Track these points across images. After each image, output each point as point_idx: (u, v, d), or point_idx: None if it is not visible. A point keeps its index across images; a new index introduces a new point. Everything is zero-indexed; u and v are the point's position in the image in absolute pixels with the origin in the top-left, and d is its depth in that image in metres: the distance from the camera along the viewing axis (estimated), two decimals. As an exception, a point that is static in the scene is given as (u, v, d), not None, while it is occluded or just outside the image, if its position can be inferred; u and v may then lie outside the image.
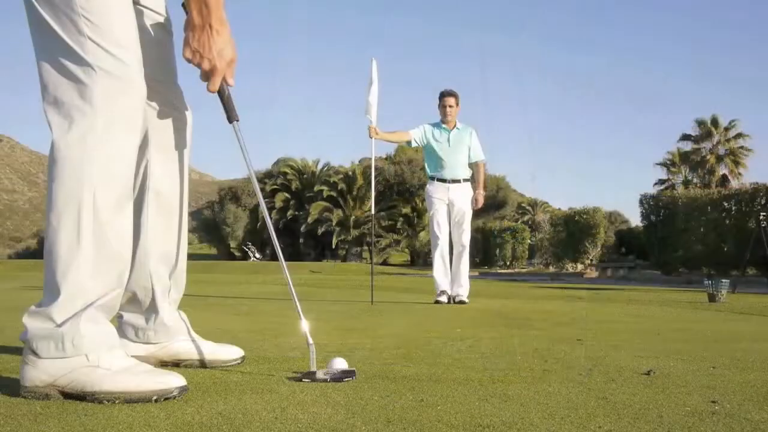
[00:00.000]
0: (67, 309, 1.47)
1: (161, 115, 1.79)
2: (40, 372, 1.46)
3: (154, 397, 1.45)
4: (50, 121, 1.51)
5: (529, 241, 32.66)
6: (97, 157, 1.50)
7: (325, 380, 1.72)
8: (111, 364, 1.48)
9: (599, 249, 25.64)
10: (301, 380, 1.73)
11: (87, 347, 1.47)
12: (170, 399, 1.46)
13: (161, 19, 1.78)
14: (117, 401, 1.43)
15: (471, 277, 6.11)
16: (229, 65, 1.64)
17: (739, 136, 40.48)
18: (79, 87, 1.50)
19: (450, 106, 5.88)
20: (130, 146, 1.58)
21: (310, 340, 1.82)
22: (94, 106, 1.50)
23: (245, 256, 41.18)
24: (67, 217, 1.48)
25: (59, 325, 1.46)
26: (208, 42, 1.58)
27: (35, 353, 1.47)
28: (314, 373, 1.74)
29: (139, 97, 1.58)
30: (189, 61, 1.61)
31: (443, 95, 5.92)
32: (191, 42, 1.58)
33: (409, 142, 5.95)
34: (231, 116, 1.75)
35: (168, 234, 1.84)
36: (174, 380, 1.49)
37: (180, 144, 1.84)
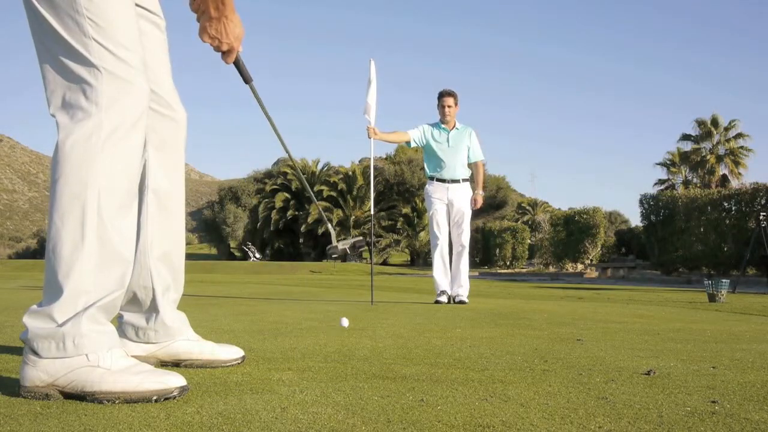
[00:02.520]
0: (68, 309, 1.47)
1: (159, 115, 1.80)
2: (40, 372, 1.46)
3: (154, 397, 1.45)
4: (57, 122, 1.52)
5: (529, 241, 32.67)
6: (102, 158, 1.50)
7: (345, 249, 2.29)
8: (111, 364, 1.48)
9: (599, 249, 25.64)
10: (327, 252, 2.31)
11: (88, 347, 1.47)
12: (170, 399, 1.46)
13: (157, 20, 1.81)
14: (117, 401, 1.43)
15: (471, 277, 6.11)
16: (239, 39, 1.78)
17: (739, 136, 40.45)
18: (85, 88, 1.51)
19: (449, 106, 5.88)
20: (135, 147, 1.58)
21: (329, 225, 2.30)
22: (100, 106, 1.51)
23: (245, 256, 41.19)
24: (71, 217, 1.48)
25: (60, 325, 1.46)
26: (224, 30, 1.72)
27: (36, 353, 1.47)
28: (335, 247, 2.31)
29: (142, 97, 1.58)
30: (208, 43, 1.75)
31: (442, 95, 5.92)
32: (209, 30, 1.72)
33: (408, 143, 5.96)
34: (246, 78, 1.95)
35: (167, 233, 1.85)
36: (174, 380, 1.49)
37: (177, 143, 1.86)
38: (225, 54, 1.78)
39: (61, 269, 1.47)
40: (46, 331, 1.46)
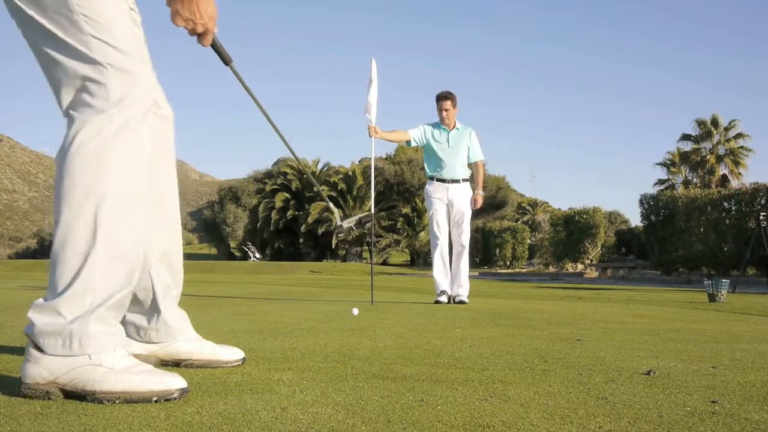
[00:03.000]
0: (75, 305, 1.46)
1: None
2: (41, 369, 1.46)
3: (155, 398, 1.45)
4: (69, 122, 1.51)
5: (529, 241, 32.65)
6: (114, 154, 1.49)
7: (351, 227, 2.35)
8: (113, 363, 1.48)
9: (599, 249, 25.63)
10: (334, 232, 2.51)
11: (93, 348, 1.46)
12: (170, 400, 1.46)
13: (136, 17, 1.77)
14: (117, 401, 1.43)
15: (471, 277, 6.11)
16: (213, 18, 1.71)
17: (739, 136, 40.43)
18: (92, 86, 1.50)
19: (446, 110, 5.84)
20: (145, 140, 1.57)
21: (331, 205, 2.30)
22: (110, 102, 1.50)
23: (245, 256, 41.20)
24: (84, 214, 1.47)
25: (69, 322, 1.45)
26: (197, 10, 1.64)
27: (40, 349, 1.46)
28: (341, 226, 2.33)
29: (148, 89, 1.57)
30: (182, 26, 1.67)
31: (438, 99, 5.88)
32: (182, 12, 1.62)
33: (408, 142, 5.94)
34: (226, 60, 1.90)
35: (165, 233, 1.84)
36: (175, 381, 1.49)
37: (168, 141, 1.83)
38: (201, 36, 1.71)
39: (71, 265, 1.46)
40: (53, 328, 1.45)
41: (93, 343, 1.46)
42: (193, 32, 1.69)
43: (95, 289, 1.47)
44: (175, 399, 1.47)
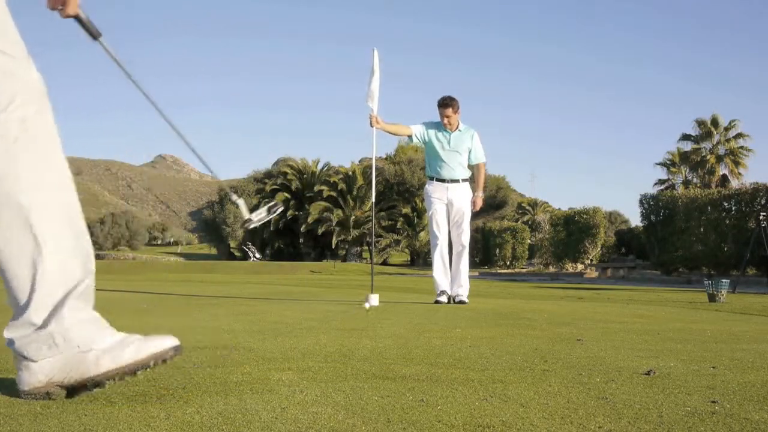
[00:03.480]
0: (43, 311, 1.43)
1: None
2: (35, 374, 1.44)
3: (152, 362, 1.45)
4: None
5: (529, 241, 32.66)
6: (21, 158, 1.41)
7: (261, 219, 2.30)
8: (101, 344, 1.46)
9: (599, 249, 25.63)
10: (243, 227, 2.26)
11: (79, 338, 1.44)
12: (167, 360, 1.47)
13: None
14: (117, 378, 1.43)
15: (471, 277, 6.10)
16: None
17: (739, 136, 40.40)
18: None
19: (448, 116, 5.78)
20: (48, 130, 1.47)
21: (234, 197, 2.21)
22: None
23: (245, 256, 41.23)
24: (15, 224, 1.40)
25: (41, 326, 1.43)
26: None
27: (29, 359, 1.44)
28: (249, 219, 2.24)
29: (37, 86, 1.47)
30: None
31: (439, 106, 5.79)
32: None
33: (410, 137, 5.87)
34: (94, 34, 1.73)
35: None
36: (167, 342, 1.50)
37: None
38: (63, 8, 1.56)
39: (23, 278, 1.42)
40: (32, 337, 1.43)
41: (74, 335, 1.44)
42: (53, 6, 1.55)
43: (54, 291, 1.43)
44: (171, 357, 1.48)
